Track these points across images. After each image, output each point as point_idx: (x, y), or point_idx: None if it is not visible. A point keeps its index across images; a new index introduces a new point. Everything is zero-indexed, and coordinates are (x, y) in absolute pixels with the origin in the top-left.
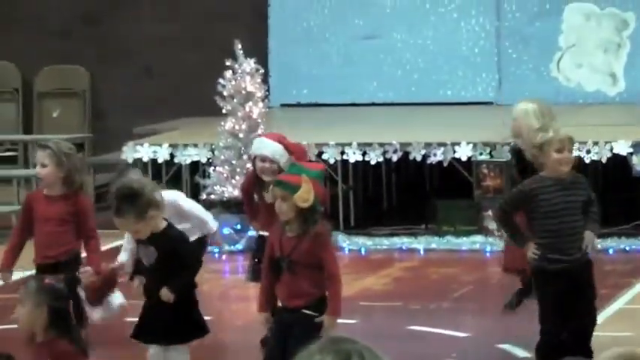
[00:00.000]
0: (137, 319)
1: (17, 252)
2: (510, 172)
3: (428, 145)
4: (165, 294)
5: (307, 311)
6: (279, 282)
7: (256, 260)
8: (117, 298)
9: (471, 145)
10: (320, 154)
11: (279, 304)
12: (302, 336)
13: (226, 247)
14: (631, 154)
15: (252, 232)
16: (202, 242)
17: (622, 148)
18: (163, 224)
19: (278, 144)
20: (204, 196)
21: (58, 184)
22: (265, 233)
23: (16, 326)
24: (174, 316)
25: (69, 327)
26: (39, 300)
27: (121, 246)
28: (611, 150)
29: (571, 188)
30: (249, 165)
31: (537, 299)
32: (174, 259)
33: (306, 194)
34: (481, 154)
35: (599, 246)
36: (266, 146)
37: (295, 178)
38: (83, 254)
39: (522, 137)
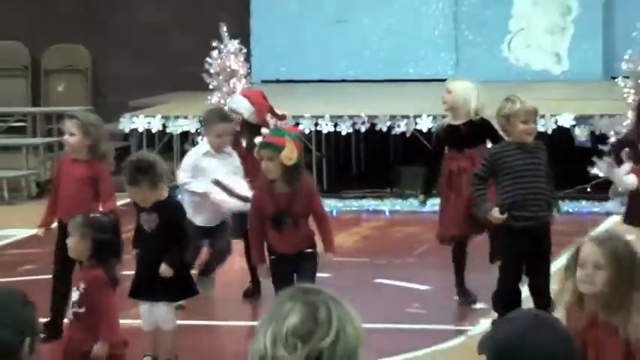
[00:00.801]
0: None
1: (53, 210)
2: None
3: (393, 117)
4: (165, 269)
5: (309, 249)
6: (280, 234)
7: (239, 218)
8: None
9: (431, 117)
10: (296, 124)
11: (276, 253)
12: (311, 269)
13: None
14: (574, 126)
15: None
16: None
17: (566, 120)
18: (165, 194)
19: (244, 98)
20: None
21: (84, 151)
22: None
23: (27, 277)
24: (167, 277)
25: (108, 258)
26: (84, 232)
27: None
28: (556, 122)
29: (532, 152)
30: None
31: (501, 252)
32: (173, 226)
33: (290, 153)
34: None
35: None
36: (234, 100)
37: (279, 139)
38: None
39: (457, 110)
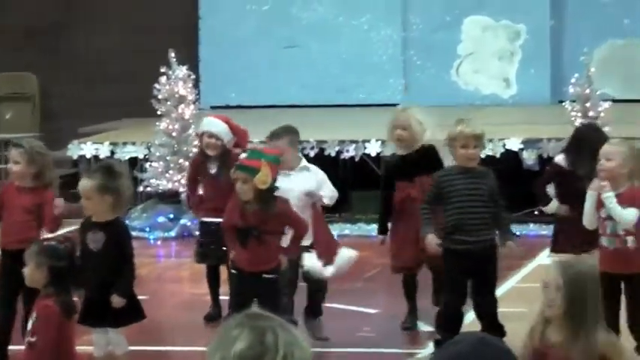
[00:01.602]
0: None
1: None
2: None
3: (341, 142)
4: (117, 301)
5: (268, 275)
6: (243, 249)
7: (201, 244)
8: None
9: (379, 142)
10: (245, 150)
11: (237, 268)
12: (272, 297)
13: (161, 234)
14: (522, 149)
15: (184, 221)
16: None
17: (514, 144)
18: (115, 216)
19: (224, 124)
20: (141, 189)
21: (29, 178)
22: (208, 219)
23: None
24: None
25: (64, 285)
26: (39, 260)
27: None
28: (504, 146)
29: (475, 177)
30: (181, 160)
31: (444, 275)
32: (120, 247)
33: (265, 177)
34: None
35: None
36: (214, 124)
37: (255, 162)
38: None
39: (412, 143)
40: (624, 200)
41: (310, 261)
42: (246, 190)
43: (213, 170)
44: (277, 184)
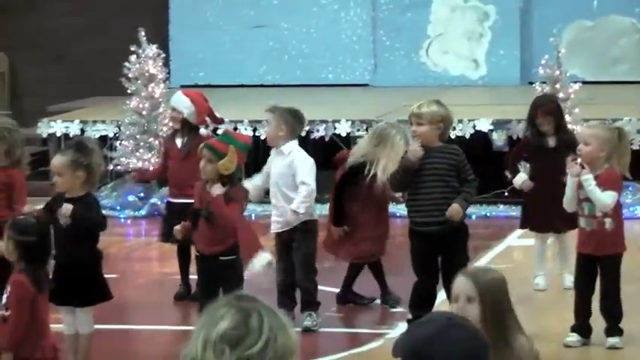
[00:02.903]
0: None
1: None
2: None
3: (311, 122)
4: (66, 208)
5: (225, 257)
6: (196, 230)
7: (166, 223)
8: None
9: (349, 122)
10: (215, 130)
11: (197, 250)
12: (231, 278)
13: (131, 213)
14: (491, 130)
15: (154, 200)
16: None
17: (483, 125)
18: (84, 192)
19: (186, 97)
20: (111, 167)
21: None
22: (174, 200)
23: None
24: (82, 280)
25: (33, 261)
26: (8, 234)
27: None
28: (474, 127)
29: (435, 156)
30: (151, 139)
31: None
32: (87, 222)
33: (229, 163)
34: (358, 130)
35: (460, 218)
36: (175, 98)
37: (223, 146)
38: None
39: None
40: (602, 182)
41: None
42: (209, 170)
43: (178, 146)
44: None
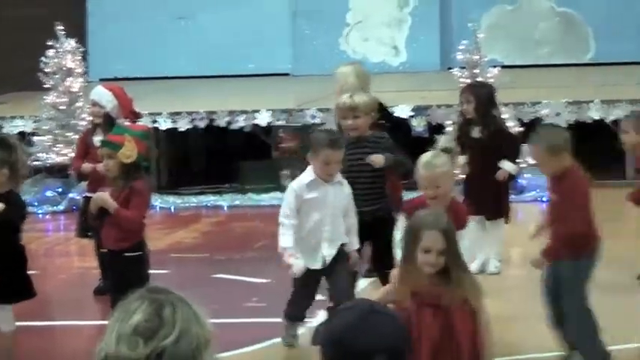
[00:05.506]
0: None
1: None
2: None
3: (231, 112)
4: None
5: (130, 254)
6: (104, 228)
7: (83, 218)
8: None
9: (270, 112)
10: (153, 122)
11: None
12: (133, 278)
13: (50, 208)
14: (411, 117)
15: (72, 195)
16: None
17: (403, 112)
18: (8, 189)
19: (108, 91)
20: (29, 163)
21: None
22: (89, 194)
23: None
24: (4, 276)
25: None
26: None
27: None
28: (394, 114)
29: (367, 146)
30: (69, 134)
31: None
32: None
33: (129, 151)
34: (279, 120)
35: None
36: (96, 92)
37: (118, 137)
38: None
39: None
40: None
41: None
42: (112, 166)
43: (97, 141)
44: None
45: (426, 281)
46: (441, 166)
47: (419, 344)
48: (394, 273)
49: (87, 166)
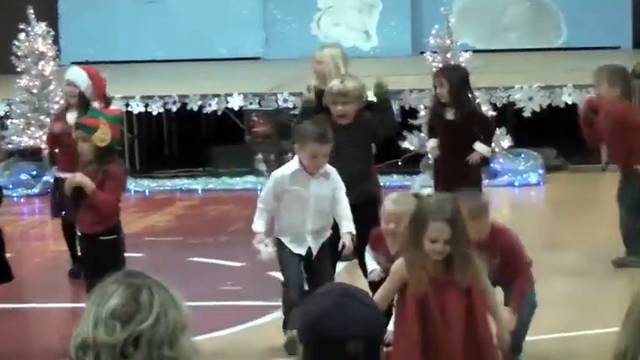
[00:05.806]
0: None
1: None
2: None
3: (204, 96)
4: None
5: (105, 237)
6: (79, 211)
7: (56, 198)
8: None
9: (242, 96)
10: (126, 105)
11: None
12: (109, 261)
13: (24, 192)
14: None
15: (47, 178)
16: None
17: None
18: None
19: (83, 71)
20: (2, 146)
21: None
22: (63, 175)
23: None
24: None
25: None
26: None
27: None
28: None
29: (350, 131)
30: (42, 117)
31: None
32: None
33: (103, 134)
34: (251, 103)
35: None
36: (71, 72)
37: (93, 120)
38: None
39: (327, 79)
40: None
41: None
42: (86, 150)
43: (70, 120)
44: None
45: (433, 266)
46: (408, 205)
47: (445, 327)
48: (397, 263)
49: (57, 126)
